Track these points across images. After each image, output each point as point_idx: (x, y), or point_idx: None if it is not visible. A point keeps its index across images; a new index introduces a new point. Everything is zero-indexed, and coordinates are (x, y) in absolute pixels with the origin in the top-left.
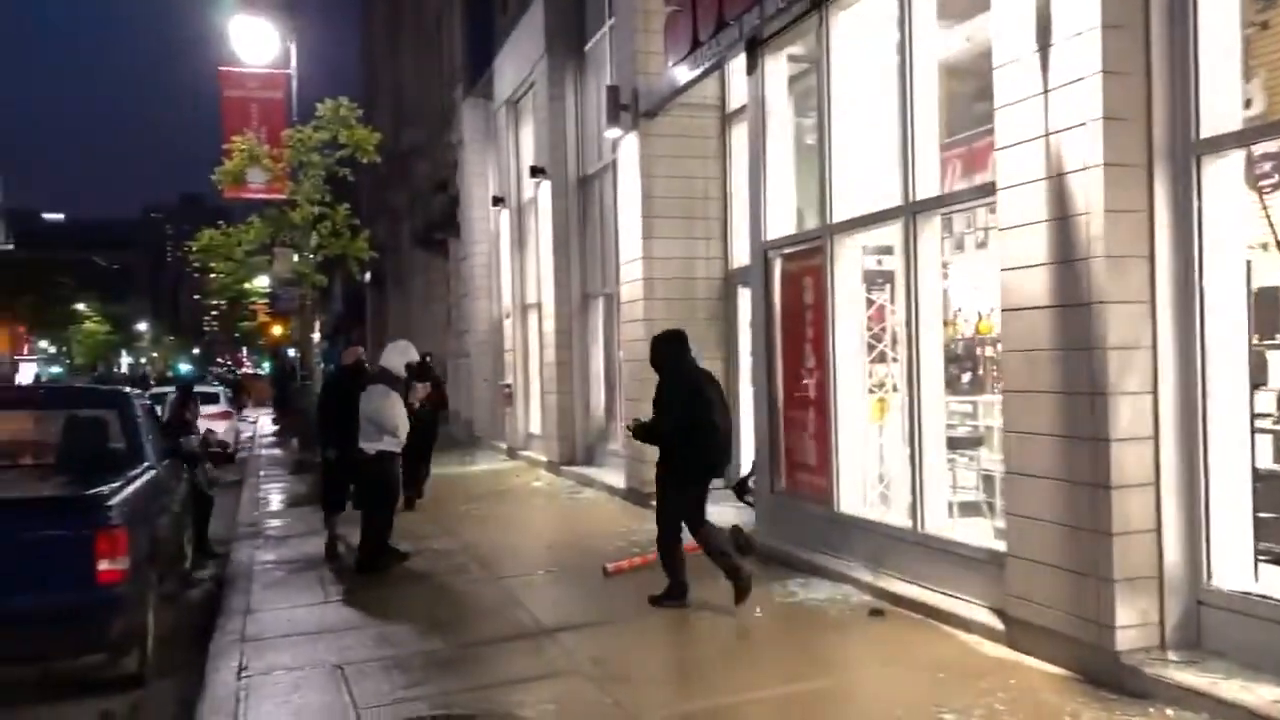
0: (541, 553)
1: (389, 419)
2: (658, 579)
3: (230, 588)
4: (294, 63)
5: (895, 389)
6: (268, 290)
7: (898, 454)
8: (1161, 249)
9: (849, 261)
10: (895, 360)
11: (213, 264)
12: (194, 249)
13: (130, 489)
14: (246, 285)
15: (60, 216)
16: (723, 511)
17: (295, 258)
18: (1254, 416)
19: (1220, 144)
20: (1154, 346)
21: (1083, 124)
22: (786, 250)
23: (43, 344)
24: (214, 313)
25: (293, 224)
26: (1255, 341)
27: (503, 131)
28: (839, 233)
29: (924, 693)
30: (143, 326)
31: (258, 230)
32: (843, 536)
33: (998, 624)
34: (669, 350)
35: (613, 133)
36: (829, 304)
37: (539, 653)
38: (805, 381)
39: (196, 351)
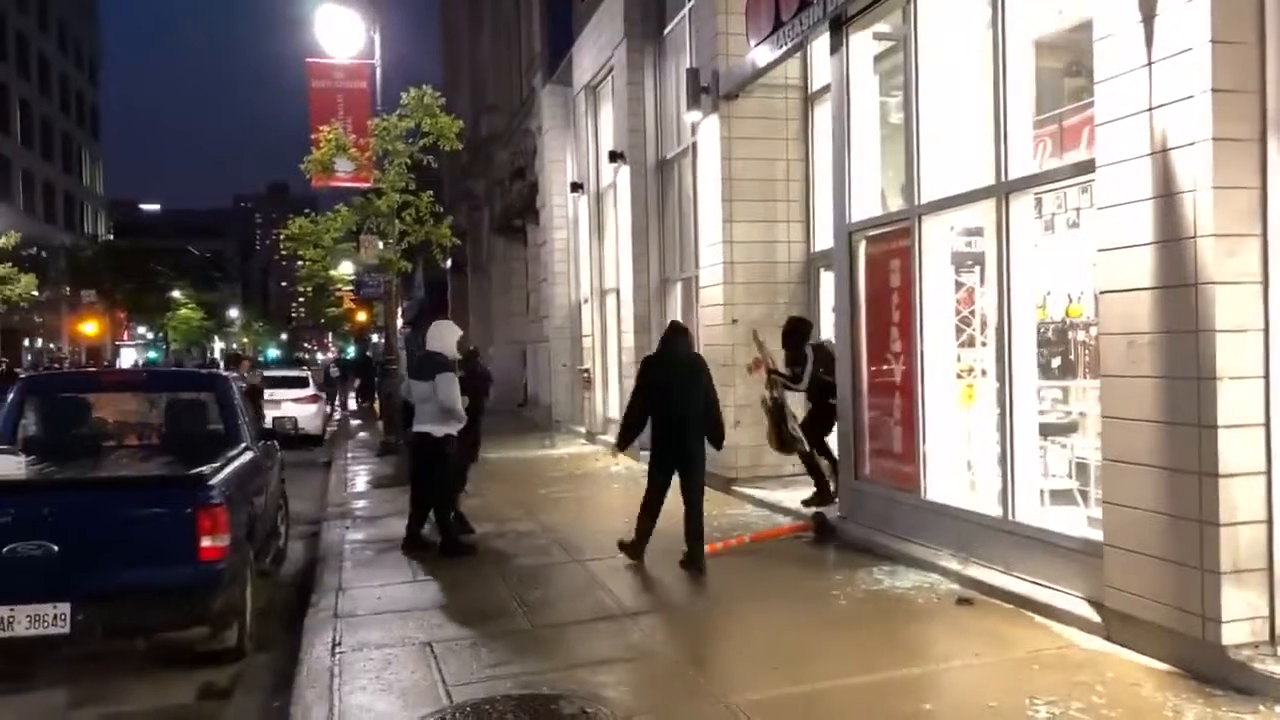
0: (622, 536)
1: (453, 401)
2: (740, 563)
3: (323, 566)
4: (378, 53)
5: (984, 374)
6: (353, 277)
7: (987, 440)
8: (1276, 227)
9: (937, 243)
10: (984, 344)
11: (301, 251)
12: (284, 237)
13: (229, 469)
14: (333, 272)
15: (156, 207)
16: (794, 497)
17: (380, 245)
18: None
19: None
20: (1266, 329)
21: (1190, 97)
22: (871, 232)
23: (141, 330)
24: (300, 299)
25: (378, 211)
26: None
27: (581, 117)
28: (927, 213)
29: (1017, 684)
30: (234, 313)
31: (345, 218)
32: (929, 524)
33: (1093, 615)
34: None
35: (693, 116)
36: (916, 287)
37: (622, 635)
38: (891, 366)
39: (284, 337)
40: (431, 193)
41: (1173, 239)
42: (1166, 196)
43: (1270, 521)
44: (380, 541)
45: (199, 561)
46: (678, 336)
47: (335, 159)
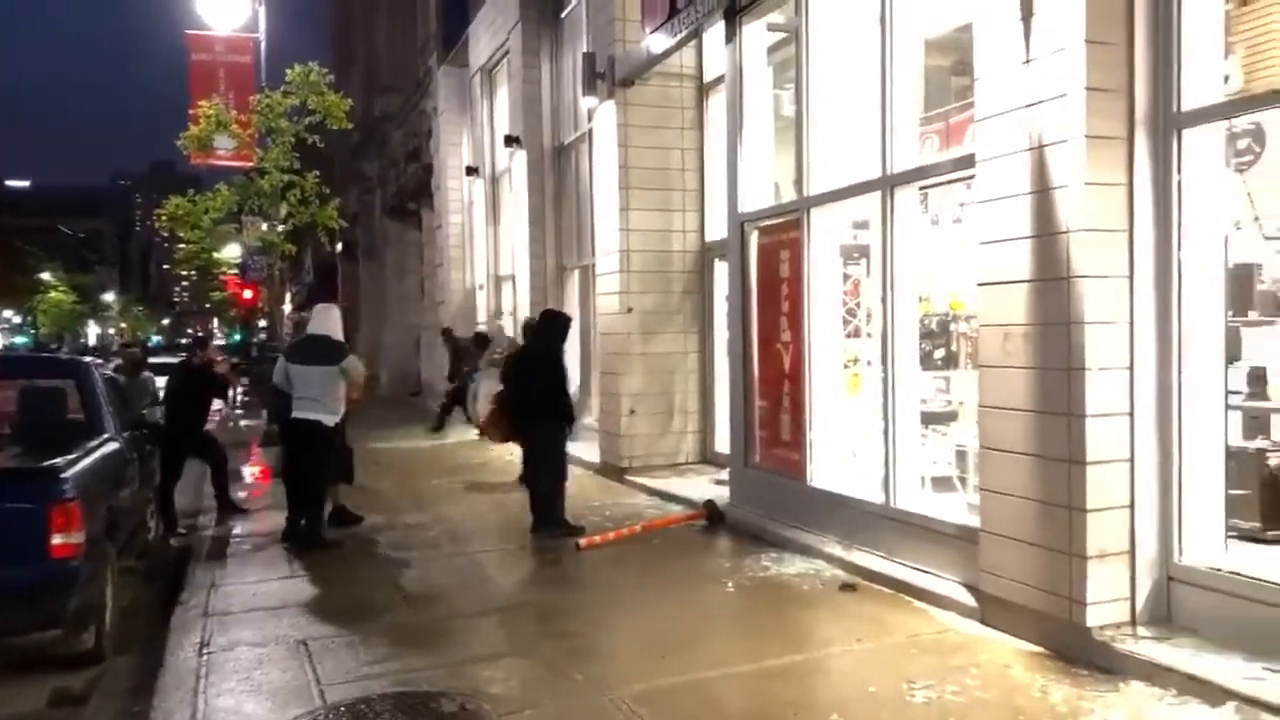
0: (513, 527)
1: (339, 389)
2: (631, 552)
3: (195, 561)
4: (263, 27)
5: (869, 364)
6: (238, 260)
7: (871, 429)
8: (1141, 223)
9: (826, 235)
10: (870, 335)
11: (180, 232)
12: (160, 217)
13: (86, 461)
14: (216, 254)
15: (26, 183)
16: (694, 486)
17: (264, 226)
18: (1228, 393)
19: (1201, 117)
20: (1131, 322)
21: (1064, 95)
22: (763, 223)
23: (7, 314)
24: (184, 283)
25: (260, 191)
26: (1229, 318)
27: (478, 100)
28: (816, 205)
29: (896, 669)
30: (110, 297)
31: (225, 198)
32: (816, 511)
33: (970, 600)
34: None
35: (589, 102)
36: (805, 278)
37: (508, 627)
38: (780, 355)
39: (166, 322)
40: (318, 173)
41: (1047, 233)
42: (1041, 192)
43: (1133, 507)
44: (258, 535)
45: (51, 559)
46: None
47: (215, 136)
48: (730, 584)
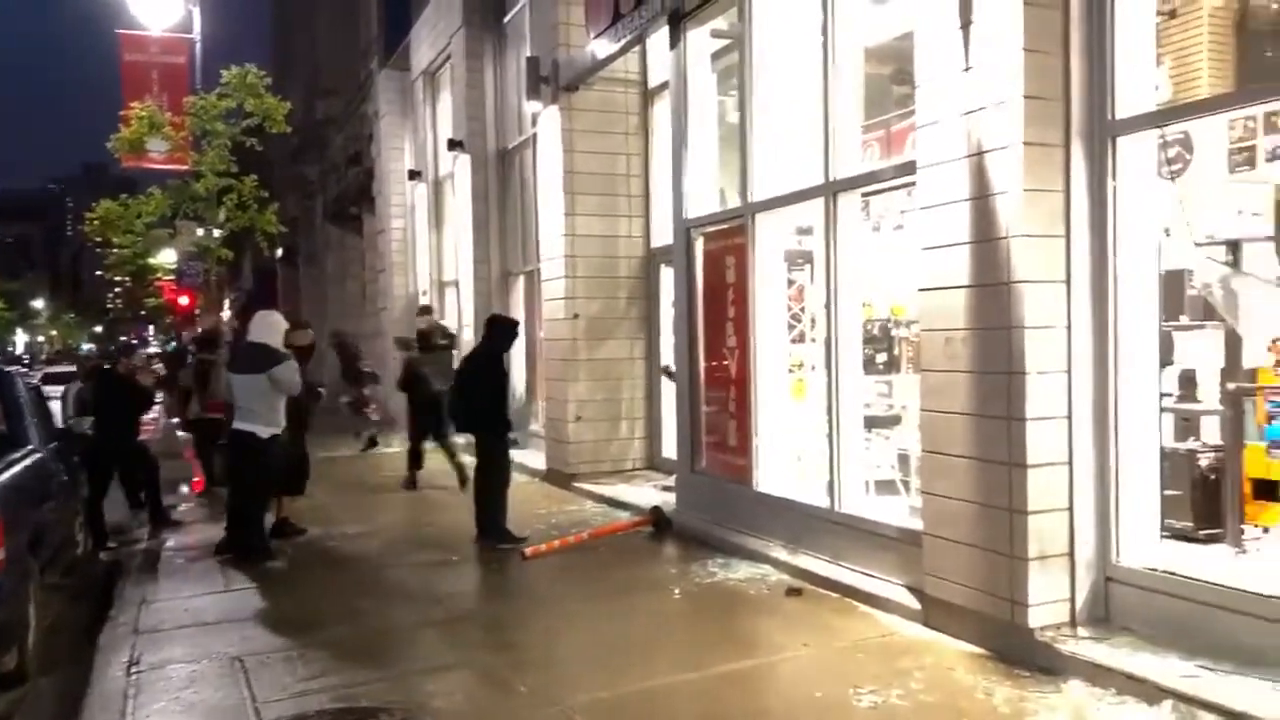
0: (457, 537)
1: (295, 388)
2: (577, 561)
3: (126, 576)
4: (197, 27)
5: (814, 369)
6: (174, 265)
7: (816, 433)
8: (1077, 229)
9: (770, 241)
10: (814, 340)
11: (112, 237)
12: (90, 220)
13: (7, 474)
14: (151, 260)
15: None
16: (641, 492)
17: (200, 231)
18: (1162, 396)
19: (1134, 125)
20: (1069, 327)
21: (1003, 102)
22: (708, 229)
23: None
24: (118, 289)
25: (196, 195)
26: (1162, 323)
27: (420, 104)
28: (760, 211)
29: (842, 673)
30: (40, 304)
31: (159, 201)
32: (762, 516)
33: (914, 603)
34: None
35: (533, 106)
36: (750, 283)
37: (451, 640)
38: (726, 361)
39: (99, 330)
40: (255, 177)
41: (987, 239)
42: (981, 198)
43: (1072, 509)
44: (192, 548)
45: None
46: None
47: (149, 139)
48: (677, 591)
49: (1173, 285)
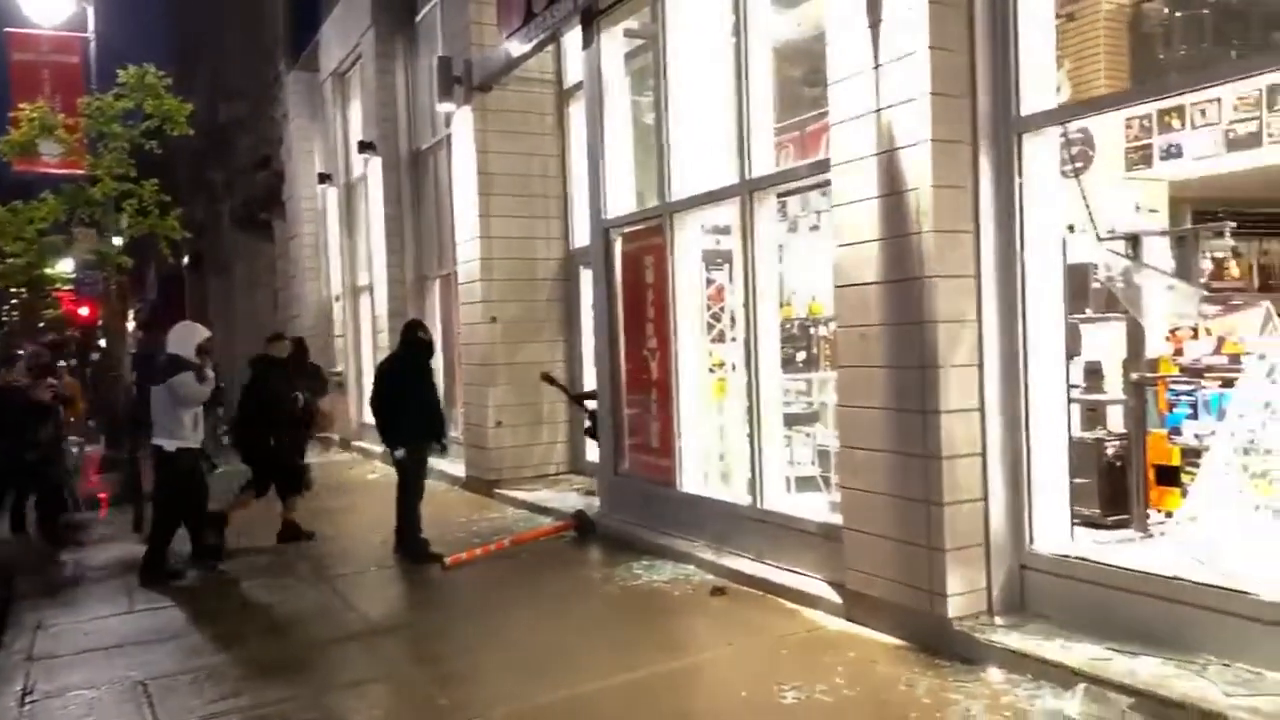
0: (375, 548)
1: (192, 401)
2: (499, 569)
3: (21, 600)
4: (92, 25)
5: (734, 368)
6: (72, 275)
7: (738, 432)
8: (986, 224)
9: (688, 241)
10: (735, 340)
11: (1, 245)
12: None
13: None
14: (49, 270)
15: None
16: (565, 497)
17: (98, 238)
18: (1069, 387)
19: (1037, 122)
20: (979, 320)
21: (912, 100)
22: (626, 229)
23: None
24: (14, 300)
25: (93, 200)
26: (1069, 316)
27: (329, 106)
28: (678, 211)
29: (766, 671)
30: None
31: (52, 207)
32: (686, 516)
33: (836, 598)
34: None
35: (445, 107)
36: (669, 284)
37: (370, 654)
38: (647, 362)
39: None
40: (156, 181)
41: (899, 235)
42: (893, 195)
43: (986, 499)
44: (94, 568)
45: None
46: (418, 333)
47: (40, 141)
48: (601, 595)
49: (1078, 279)
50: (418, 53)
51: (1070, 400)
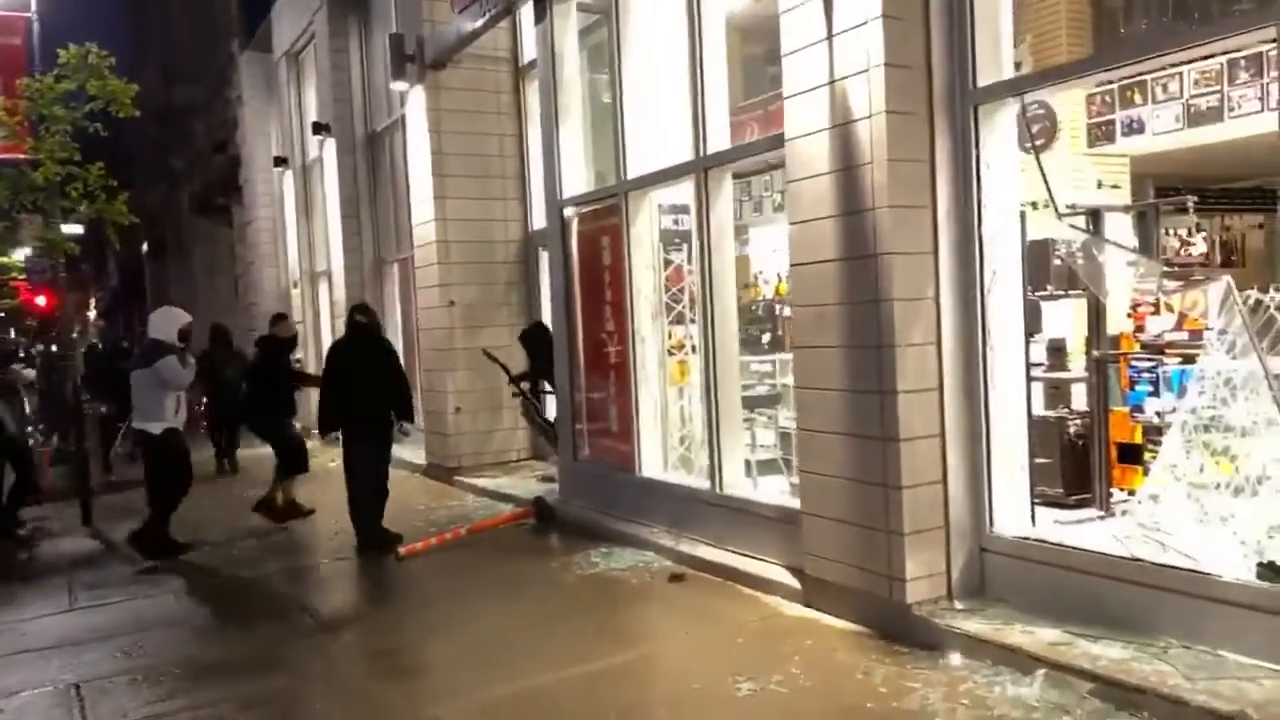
0: (330, 538)
1: (179, 384)
2: (456, 558)
3: None
4: (34, 4)
5: (695, 350)
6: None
7: (698, 416)
8: (943, 200)
9: (645, 220)
10: (694, 321)
11: None
12: None
13: None
14: (3, 259)
15: None
16: (525, 484)
17: (44, 224)
18: (1030, 365)
19: (994, 93)
20: (937, 298)
21: (865, 71)
22: (583, 209)
23: None
24: None
25: (35, 185)
26: (1029, 293)
27: (283, 86)
28: (633, 190)
29: (722, 661)
30: None
31: None
32: (646, 502)
33: (795, 583)
34: None
35: (398, 85)
36: (625, 264)
37: (320, 649)
38: (605, 345)
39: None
40: (102, 165)
41: (854, 211)
42: (848, 169)
43: (945, 481)
44: (40, 562)
45: None
46: (355, 316)
47: None
48: (559, 584)
49: (1038, 255)
50: (372, 31)
51: (1030, 379)
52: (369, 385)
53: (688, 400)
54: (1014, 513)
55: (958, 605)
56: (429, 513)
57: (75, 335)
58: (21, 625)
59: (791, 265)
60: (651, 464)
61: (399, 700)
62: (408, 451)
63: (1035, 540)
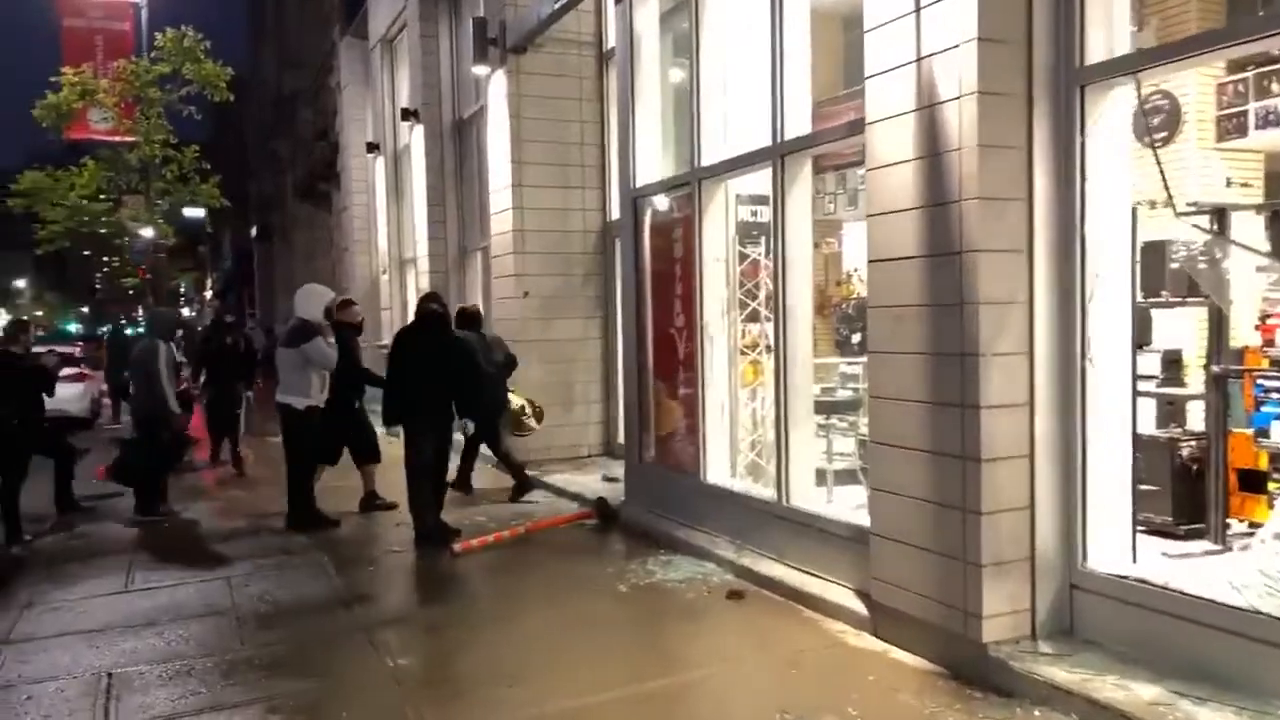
0: (390, 531)
1: (328, 364)
2: (511, 557)
3: (20, 575)
4: None
5: (769, 350)
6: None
7: (769, 419)
8: (1041, 192)
9: (718, 210)
10: (769, 319)
11: (39, 210)
12: (14, 192)
13: None
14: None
15: None
16: (591, 482)
17: (143, 204)
18: (1136, 379)
19: (1105, 71)
20: (1030, 302)
21: (956, 46)
22: (656, 198)
23: None
24: (105, 270)
25: (129, 166)
26: (1140, 299)
27: (378, 73)
28: (707, 177)
29: (772, 693)
30: (21, 283)
31: (92, 173)
32: (710, 509)
33: (862, 609)
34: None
35: (480, 70)
36: (697, 257)
37: (356, 652)
38: (675, 342)
39: (86, 310)
40: (196, 147)
41: (938, 203)
42: (933, 156)
43: (1033, 508)
44: (107, 540)
45: None
46: (428, 305)
47: (89, 107)
48: (611, 592)
49: (1152, 258)
50: (462, 15)
51: (1138, 394)
52: (430, 376)
53: (760, 403)
54: (1112, 546)
55: (1042, 648)
56: (491, 507)
57: (194, 313)
58: (75, 605)
59: (869, 261)
60: (717, 469)
61: (429, 715)
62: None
63: (1136, 580)
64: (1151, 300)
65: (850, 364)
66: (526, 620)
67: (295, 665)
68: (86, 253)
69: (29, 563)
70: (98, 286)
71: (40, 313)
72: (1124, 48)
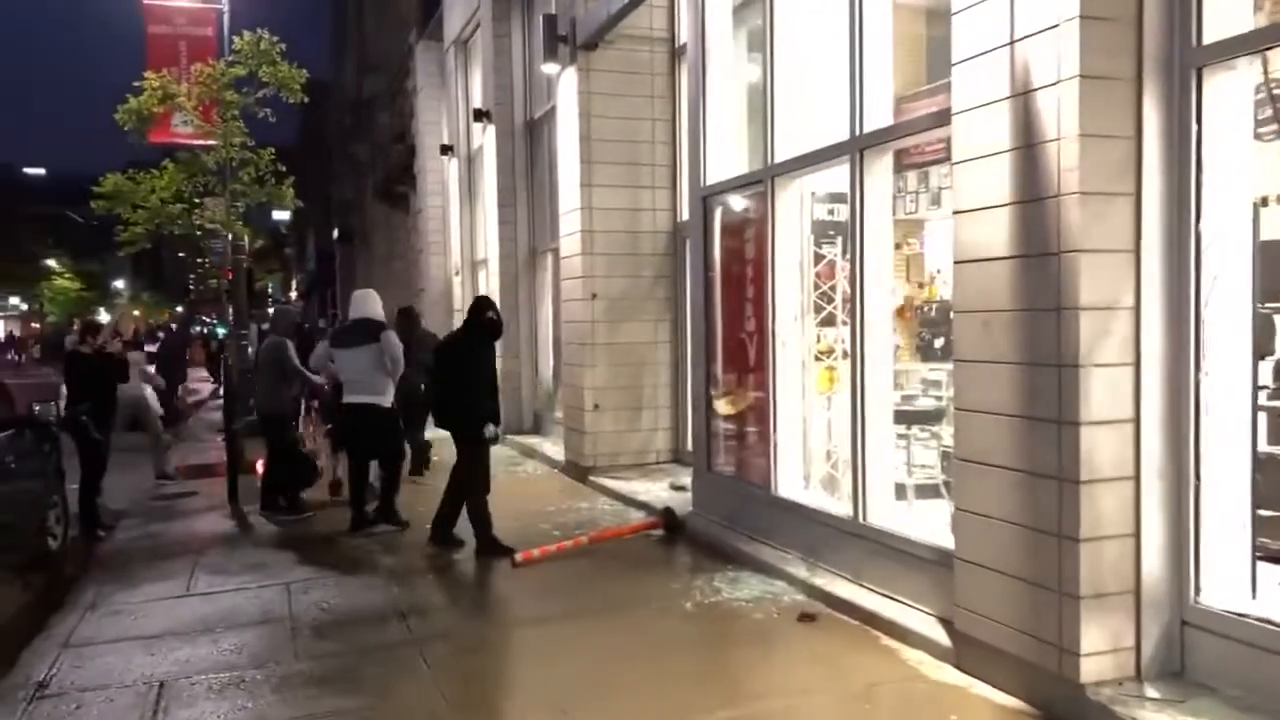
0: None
1: (384, 369)
2: (571, 570)
3: (87, 574)
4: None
5: (846, 355)
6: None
7: (846, 430)
8: (1150, 186)
9: (792, 208)
10: (845, 323)
11: (120, 212)
12: (96, 194)
13: None
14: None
15: (42, 171)
16: (658, 490)
17: (224, 206)
18: (1256, 392)
19: (1226, 50)
20: (1137, 307)
21: (1054, 26)
22: (727, 197)
23: (14, 300)
24: (198, 270)
25: (207, 169)
26: (1261, 305)
27: (452, 74)
28: (780, 174)
29: None
30: (120, 284)
31: (171, 175)
32: (780, 523)
33: (944, 638)
34: None
35: (550, 68)
36: (769, 258)
37: (406, 670)
38: (745, 346)
39: (180, 309)
40: (273, 150)
41: (1034, 198)
42: (1028, 147)
43: (1138, 536)
44: (174, 541)
45: None
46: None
47: (172, 111)
48: (675, 611)
49: (1275, 259)
50: (534, 15)
51: (1259, 409)
52: (461, 384)
53: (836, 412)
54: (1228, 578)
55: (1148, 691)
56: (556, 514)
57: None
58: (139, 609)
59: (955, 262)
60: (789, 482)
61: None
62: (548, 446)
63: (1256, 619)
64: (1272, 305)
65: (933, 369)
66: (585, 640)
67: (345, 681)
68: (181, 254)
69: (102, 560)
70: (190, 287)
71: (137, 312)
72: (1247, 24)
